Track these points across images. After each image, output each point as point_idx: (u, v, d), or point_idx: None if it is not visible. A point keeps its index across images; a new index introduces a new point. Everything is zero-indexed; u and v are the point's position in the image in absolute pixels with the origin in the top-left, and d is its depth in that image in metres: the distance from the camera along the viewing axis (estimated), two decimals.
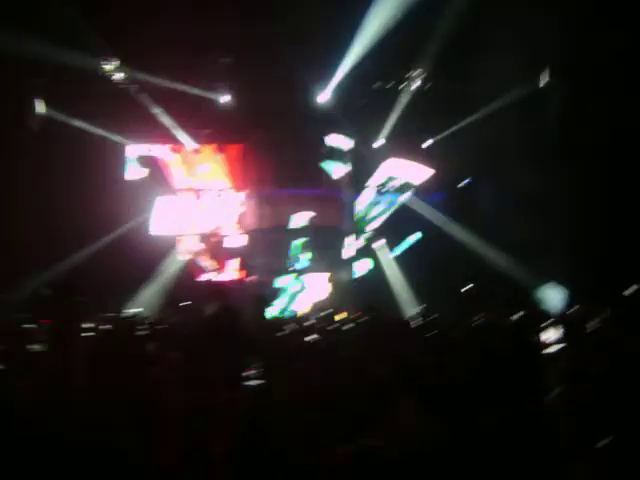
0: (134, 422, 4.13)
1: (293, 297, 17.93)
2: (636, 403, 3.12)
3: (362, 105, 16.80)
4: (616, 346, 3.92)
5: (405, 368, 4.10)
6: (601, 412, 3.16)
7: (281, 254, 18.27)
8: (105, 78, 15.52)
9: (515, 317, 10.28)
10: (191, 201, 18.32)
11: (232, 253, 18.15)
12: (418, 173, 18.14)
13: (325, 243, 18.24)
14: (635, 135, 13.00)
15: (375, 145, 17.86)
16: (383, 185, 18.25)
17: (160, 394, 4.91)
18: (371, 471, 2.68)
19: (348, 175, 18.52)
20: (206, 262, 17.99)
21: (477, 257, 15.91)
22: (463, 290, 16.15)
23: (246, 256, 18.17)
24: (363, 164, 18.30)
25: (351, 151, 18.33)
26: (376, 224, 18.55)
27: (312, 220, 18.18)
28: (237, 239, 18.27)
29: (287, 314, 16.45)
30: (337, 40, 14.15)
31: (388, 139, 17.67)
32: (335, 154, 18.26)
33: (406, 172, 18.24)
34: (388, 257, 18.20)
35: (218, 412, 4.77)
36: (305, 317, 13.01)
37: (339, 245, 18.40)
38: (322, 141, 18.00)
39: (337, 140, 18.19)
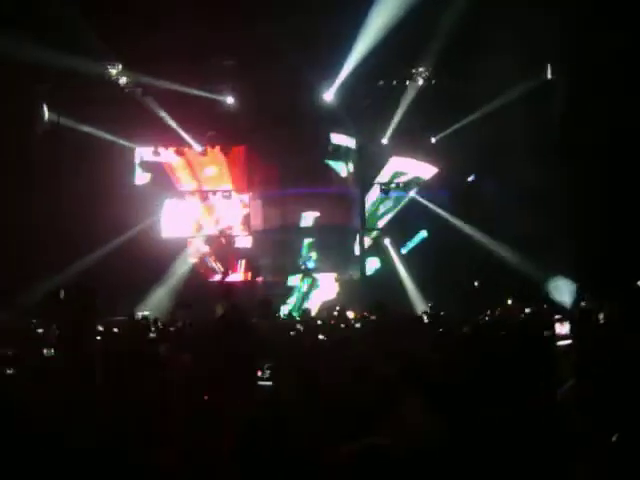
0: (145, 422, 4.16)
1: (304, 296, 17.94)
2: None
3: (366, 104, 16.78)
4: (623, 341, 3.93)
5: (412, 366, 4.11)
6: (611, 406, 3.17)
7: (289, 254, 18.28)
8: (110, 82, 15.57)
9: (526, 312, 10.31)
10: (198, 203, 18.34)
11: (239, 254, 18.17)
12: (423, 171, 18.13)
13: (334, 241, 18.23)
14: (635, 132, 13.00)
15: (380, 143, 17.81)
16: (389, 183, 18.22)
17: (171, 395, 4.93)
18: (376, 469, 2.69)
19: (353, 173, 18.53)
20: (214, 264, 18.03)
21: (483, 252, 15.89)
22: (470, 286, 16.16)
23: (253, 257, 18.20)
24: (369, 162, 18.30)
25: (356, 149, 18.33)
26: (383, 222, 18.54)
27: (320, 219, 18.17)
28: (243, 240, 18.30)
29: (298, 313, 16.48)
30: (340, 39, 14.15)
31: (393, 137, 17.62)
32: (341, 152, 18.26)
33: (411, 170, 18.23)
34: (396, 254, 18.20)
35: (228, 412, 4.79)
36: (315, 316, 13.03)
37: (349, 243, 18.40)
38: (328, 140, 17.98)
39: (342, 139, 18.19)
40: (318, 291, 17.94)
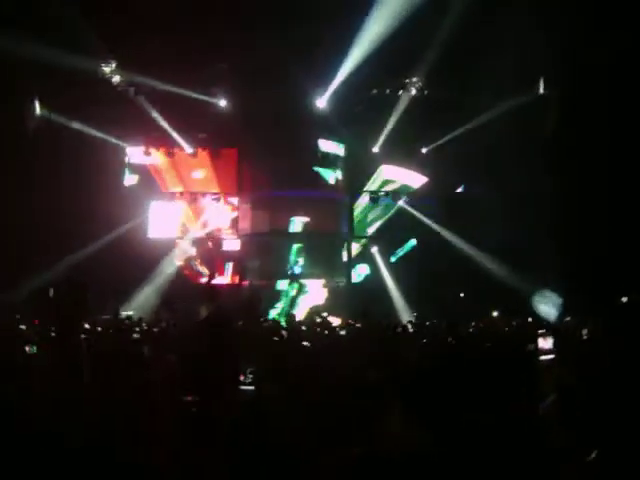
0: (131, 421, 4.14)
1: (292, 301, 17.91)
2: (627, 411, 3.14)
3: (358, 111, 16.81)
4: (607, 355, 3.95)
5: (396, 373, 4.12)
6: (592, 420, 3.19)
7: (277, 258, 18.26)
8: (103, 80, 15.52)
9: (512, 324, 10.35)
10: (186, 205, 18.30)
11: (226, 257, 18.13)
12: (412, 180, 18.19)
13: (322, 248, 18.25)
14: (625, 145, 13.13)
15: (370, 151, 17.85)
16: (378, 191, 18.26)
17: (155, 395, 4.91)
18: (374, 474, 2.70)
19: (342, 181, 18.55)
20: (200, 267, 17.98)
21: (470, 263, 15.96)
22: (456, 297, 16.23)
23: (240, 260, 18.16)
24: (359, 170, 18.34)
25: (344, 157, 18.36)
26: (372, 229, 18.57)
27: (309, 224, 18.18)
28: (231, 243, 18.26)
29: (284, 318, 16.45)
30: (334, 48, 14.18)
31: (384, 146, 17.67)
32: (329, 160, 18.29)
33: (400, 178, 18.29)
34: (384, 262, 18.22)
35: (211, 413, 4.78)
36: (300, 321, 13.00)
37: (337, 250, 18.41)
38: (316, 147, 18.03)
39: (330, 146, 18.23)
40: (306, 296, 17.92)
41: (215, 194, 18.19)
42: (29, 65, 13.52)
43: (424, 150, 17.80)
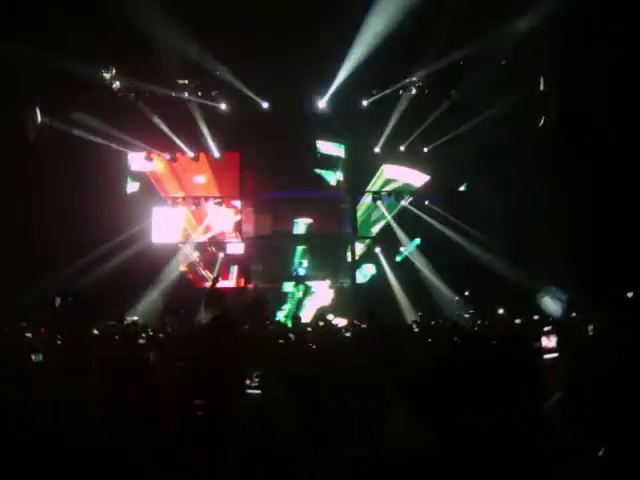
0: (136, 426, 4.15)
1: (299, 302, 17.92)
2: (633, 409, 3.13)
3: (359, 112, 16.82)
4: (613, 352, 3.93)
5: (401, 373, 4.11)
6: (599, 417, 3.17)
7: (281, 260, 18.28)
8: (104, 86, 15.55)
9: (517, 322, 10.33)
10: (189, 210, 18.32)
11: (231, 261, 18.15)
12: (414, 178, 18.17)
13: (326, 249, 18.26)
14: (626, 142, 13.12)
15: (372, 151, 17.84)
16: (381, 191, 18.26)
17: (161, 400, 4.92)
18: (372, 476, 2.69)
19: (343, 182, 18.54)
20: (203, 271, 18.00)
21: (474, 260, 15.94)
22: (461, 295, 16.23)
23: (244, 263, 18.18)
24: (360, 170, 18.33)
25: (345, 158, 18.35)
26: (376, 229, 18.56)
27: (313, 226, 18.19)
28: (235, 247, 18.27)
29: (290, 320, 16.47)
30: (335, 48, 14.19)
31: (384, 145, 17.66)
32: (329, 161, 18.28)
33: (402, 177, 18.28)
34: (389, 262, 18.21)
35: (218, 417, 4.78)
36: (306, 323, 13.01)
37: (341, 251, 18.41)
38: (315, 148, 18.04)
39: (330, 148, 18.22)
40: (313, 298, 17.92)
41: (218, 198, 18.21)
42: (29, 72, 13.59)
43: (426, 149, 17.74)
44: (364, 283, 18.22)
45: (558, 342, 5.81)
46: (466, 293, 16.29)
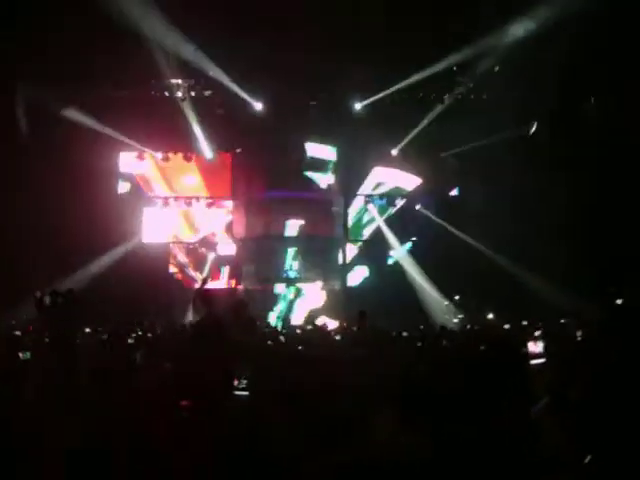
0: (122, 426, 4.13)
1: (290, 304, 17.90)
2: (622, 414, 3.13)
3: (352, 114, 16.83)
4: (601, 358, 3.94)
5: (393, 377, 4.10)
6: (585, 425, 3.17)
7: (272, 262, 18.24)
8: (96, 85, 15.52)
9: (505, 327, 10.36)
10: (180, 210, 18.28)
11: (222, 261, 18.11)
12: (406, 182, 18.18)
13: (318, 251, 18.24)
14: (622, 145, 13.22)
15: (364, 154, 17.84)
16: (372, 195, 18.28)
17: (147, 400, 4.90)
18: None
19: (335, 184, 18.53)
20: (193, 273, 17.97)
21: (466, 264, 15.96)
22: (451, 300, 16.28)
23: (235, 264, 18.14)
24: (353, 173, 18.32)
25: (337, 160, 18.35)
26: (369, 231, 18.55)
27: (305, 227, 18.17)
28: (226, 248, 18.23)
29: (281, 322, 16.46)
30: (329, 49, 14.17)
31: (377, 148, 17.68)
32: (319, 164, 18.28)
33: (394, 181, 18.28)
34: (381, 265, 18.20)
35: (206, 419, 4.76)
36: (295, 325, 13.02)
37: (333, 253, 18.39)
38: (304, 152, 18.06)
39: (319, 151, 18.24)
40: (304, 299, 17.90)
41: (209, 198, 18.17)
42: (22, 69, 13.56)
43: (417, 153, 17.74)
44: (356, 286, 18.19)
45: (545, 347, 5.83)
46: (456, 297, 16.31)
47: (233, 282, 18.03)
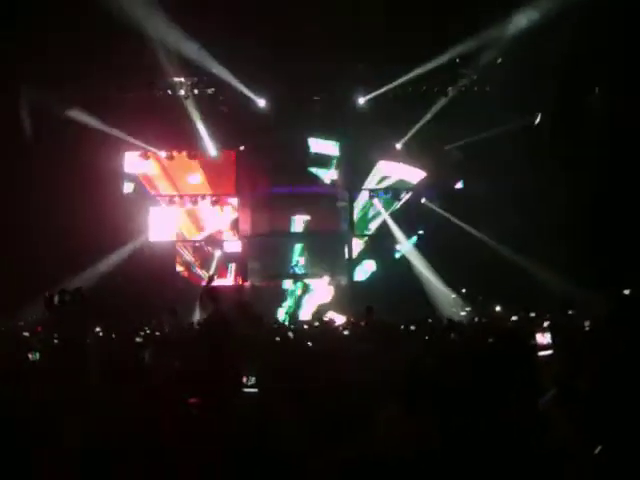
0: (132, 424, 4.15)
1: (298, 300, 17.93)
2: (630, 404, 3.12)
3: (356, 109, 16.82)
4: (608, 349, 3.93)
5: (400, 372, 4.11)
6: (593, 416, 3.17)
7: (278, 258, 18.27)
8: (100, 84, 15.54)
9: (513, 319, 10.32)
10: (186, 209, 18.30)
11: (228, 259, 18.14)
12: (410, 175, 18.15)
13: (324, 246, 18.25)
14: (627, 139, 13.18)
15: (368, 148, 17.81)
16: (379, 188, 18.25)
17: (156, 398, 4.92)
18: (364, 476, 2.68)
19: (339, 179, 18.51)
20: (200, 271, 18.00)
21: (472, 257, 15.93)
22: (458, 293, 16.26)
23: (242, 261, 18.17)
24: (357, 167, 18.30)
25: (341, 155, 18.33)
26: (375, 225, 18.53)
27: (310, 223, 18.18)
28: (232, 245, 18.25)
29: (289, 318, 16.50)
30: (332, 45, 14.15)
31: (381, 142, 17.65)
32: (323, 159, 18.26)
33: (399, 174, 18.25)
34: (388, 259, 18.20)
35: (215, 416, 4.78)
36: (303, 321, 13.03)
37: (339, 248, 18.39)
38: (307, 148, 18.05)
39: (322, 147, 18.22)
40: (312, 295, 17.92)
41: (214, 196, 18.20)
42: (27, 69, 13.59)
43: (422, 146, 17.70)
44: (364, 280, 18.18)
45: (553, 339, 5.81)
46: (463, 290, 16.29)
47: (240, 279, 18.06)
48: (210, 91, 16.46)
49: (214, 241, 18.27)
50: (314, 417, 4.09)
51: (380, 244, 18.33)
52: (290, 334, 9.07)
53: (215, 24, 12.90)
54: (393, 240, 18.20)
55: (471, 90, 16.20)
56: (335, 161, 18.32)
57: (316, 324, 11.24)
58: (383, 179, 18.27)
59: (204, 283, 16.62)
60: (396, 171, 18.20)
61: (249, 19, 13.19)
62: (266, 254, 18.25)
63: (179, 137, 17.31)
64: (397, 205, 18.23)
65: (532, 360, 4.61)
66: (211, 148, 17.82)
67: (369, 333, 8.65)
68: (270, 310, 16.02)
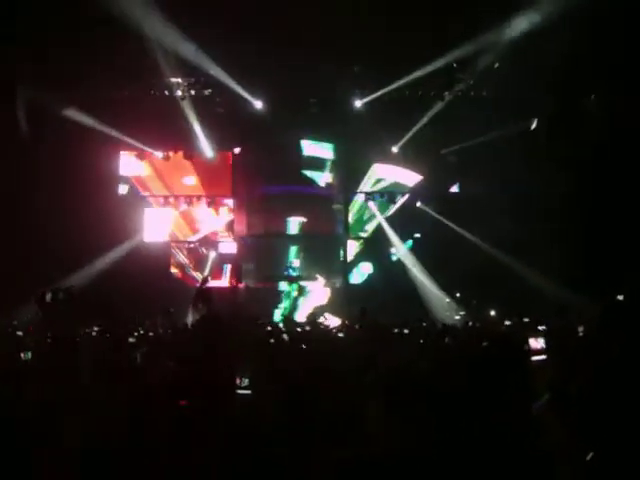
0: (125, 425, 4.15)
1: (294, 302, 17.92)
2: (622, 410, 3.13)
3: (352, 112, 16.84)
4: (602, 354, 3.94)
5: (395, 374, 4.11)
6: (587, 421, 3.18)
7: (273, 260, 18.26)
8: (97, 85, 15.51)
9: (507, 324, 10.34)
10: (180, 210, 18.28)
11: (223, 260, 18.12)
12: (406, 178, 18.16)
13: (320, 248, 18.25)
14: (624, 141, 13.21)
15: (364, 151, 17.83)
16: (374, 191, 18.26)
17: (149, 400, 4.91)
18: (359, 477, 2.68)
19: (335, 181, 18.51)
20: (194, 273, 17.98)
21: (467, 260, 15.95)
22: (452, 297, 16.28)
23: (237, 263, 18.15)
24: (353, 170, 18.31)
25: (336, 157, 18.33)
26: (371, 227, 18.53)
27: (306, 225, 18.18)
28: (228, 246, 18.23)
29: (283, 320, 16.46)
30: (328, 47, 14.17)
31: (377, 145, 17.66)
32: (317, 162, 18.26)
33: (394, 177, 18.26)
34: (384, 262, 18.19)
35: (207, 417, 4.77)
36: (298, 323, 13.00)
37: (334, 250, 18.39)
38: (300, 151, 18.06)
39: (318, 149, 18.21)
40: (308, 297, 17.92)
41: (209, 197, 18.17)
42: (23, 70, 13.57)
43: (417, 150, 17.72)
44: (360, 283, 18.18)
45: (546, 343, 5.82)
46: (457, 294, 16.32)
47: (234, 280, 18.05)
48: (207, 92, 16.46)
49: (209, 242, 18.24)
50: (307, 419, 4.08)
51: (375, 247, 18.33)
52: (285, 336, 9.06)
53: (212, 25, 12.88)
54: (388, 243, 18.21)
55: (467, 94, 16.23)
56: (330, 164, 18.32)
57: (308, 326, 11.23)
58: (378, 182, 18.28)
59: (198, 284, 16.66)
60: (392, 174, 18.21)
61: (247, 21, 13.17)
62: (261, 256, 18.26)
63: (175, 138, 17.30)
64: (392, 208, 18.24)
65: (526, 365, 4.61)
66: (207, 149, 17.80)
67: (362, 335, 8.65)
68: (265, 311, 16.00)
